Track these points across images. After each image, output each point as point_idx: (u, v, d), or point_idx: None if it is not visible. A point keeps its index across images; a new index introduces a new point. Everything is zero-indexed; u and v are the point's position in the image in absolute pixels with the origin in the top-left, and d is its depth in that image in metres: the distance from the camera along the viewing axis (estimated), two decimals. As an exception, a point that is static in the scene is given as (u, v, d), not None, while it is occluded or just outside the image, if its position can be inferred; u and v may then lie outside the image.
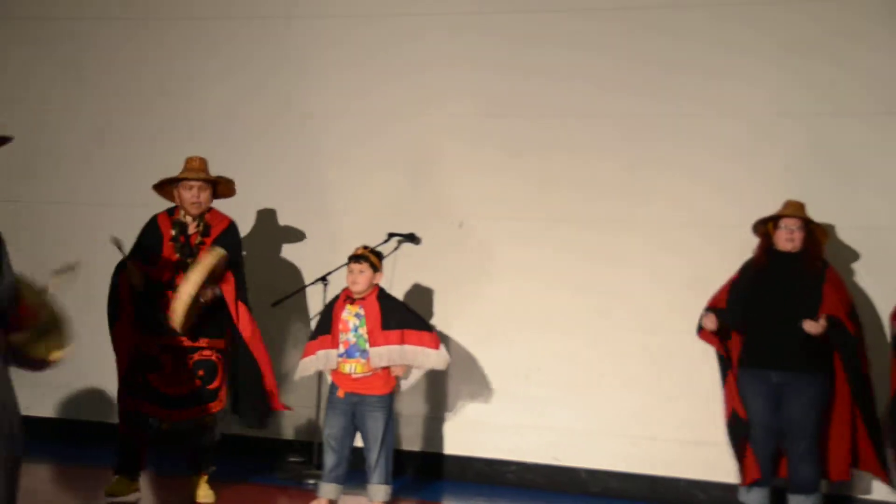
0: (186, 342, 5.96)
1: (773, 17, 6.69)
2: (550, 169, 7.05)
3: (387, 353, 5.92)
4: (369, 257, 6.01)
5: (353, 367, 5.97)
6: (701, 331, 6.12)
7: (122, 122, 7.78)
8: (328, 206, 7.42)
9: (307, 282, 7.13)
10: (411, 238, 7.01)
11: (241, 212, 7.46)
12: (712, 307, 6.08)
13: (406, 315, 6.06)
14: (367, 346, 5.94)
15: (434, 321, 7.09)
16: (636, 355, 6.84)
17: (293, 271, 7.39)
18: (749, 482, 6.01)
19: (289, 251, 7.47)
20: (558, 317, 6.99)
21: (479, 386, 7.08)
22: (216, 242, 6.08)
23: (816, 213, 6.14)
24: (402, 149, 7.33)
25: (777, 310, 5.90)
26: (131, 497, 6.10)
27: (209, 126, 7.61)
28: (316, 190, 7.47)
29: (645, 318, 6.85)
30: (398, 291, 7.03)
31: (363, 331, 5.96)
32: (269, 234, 7.50)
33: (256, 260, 7.49)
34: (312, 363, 6.08)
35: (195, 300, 5.76)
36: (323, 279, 6.87)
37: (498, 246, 7.13)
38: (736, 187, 6.69)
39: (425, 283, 7.19)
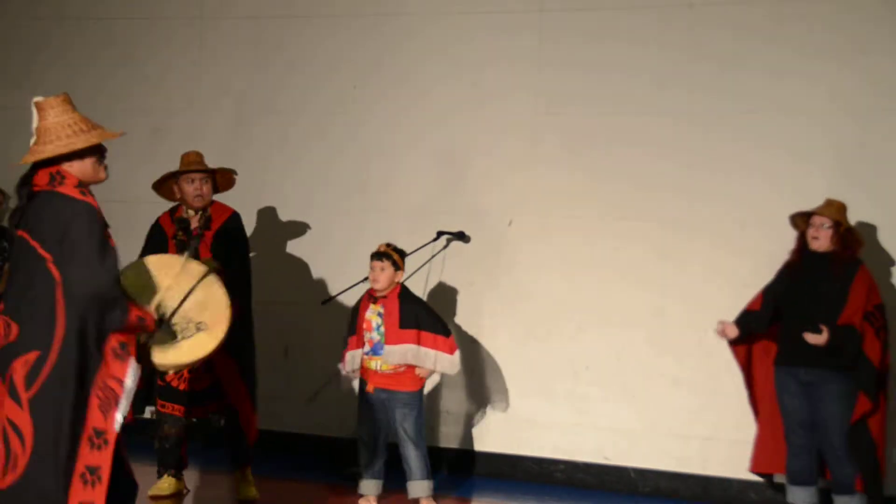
0: None
1: (829, 15, 6.60)
2: (606, 166, 7.01)
3: (400, 352, 5.94)
4: (391, 255, 6.02)
5: (378, 365, 6.01)
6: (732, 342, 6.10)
7: (179, 120, 7.88)
8: (380, 205, 7.45)
9: (358, 280, 7.14)
10: (461, 236, 7.03)
11: (296, 211, 7.58)
12: (748, 311, 6.07)
13: (424, 316, 6.06)
14: None
15: (481, 318, 7.11)
16: (691, 353, 6.77)
17: (344, 270, 7.40)
18: (755, 469, 6.11)
19: (341, 250, 7.49)
20: (610, 314, 6.95)
21: (529, 384, 7.06)
22: (218, 234, 6.08)
23: (871, 210, 6.02)
24: (455, 146, 7.33)
25: (804, 309, 5.86)
26: (178, 495, 6.18)
27: (264, 125, 7.68)
28: (368, 188, 7.50)
29: (701, 316, 6.72)
30: (447, 289, 7.05)
31: (384, 328, 5.98)
32: (321, 232, 7.55)
33: (309, 258, 7.56)
34: (344, 369, 6.16)
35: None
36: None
37: (550, 243, 7.10)
38: (793, 184, 6.59)
39: (474, 280, 7.18)
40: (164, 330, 4.29)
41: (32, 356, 3.87)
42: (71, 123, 4.09)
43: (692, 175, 6.83)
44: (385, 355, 5.95)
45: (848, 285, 5.82)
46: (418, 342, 5.95)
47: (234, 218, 6.22)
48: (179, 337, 4.33)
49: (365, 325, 6.03)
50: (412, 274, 6.26)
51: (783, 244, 6.34)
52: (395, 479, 6.14)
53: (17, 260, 4.03)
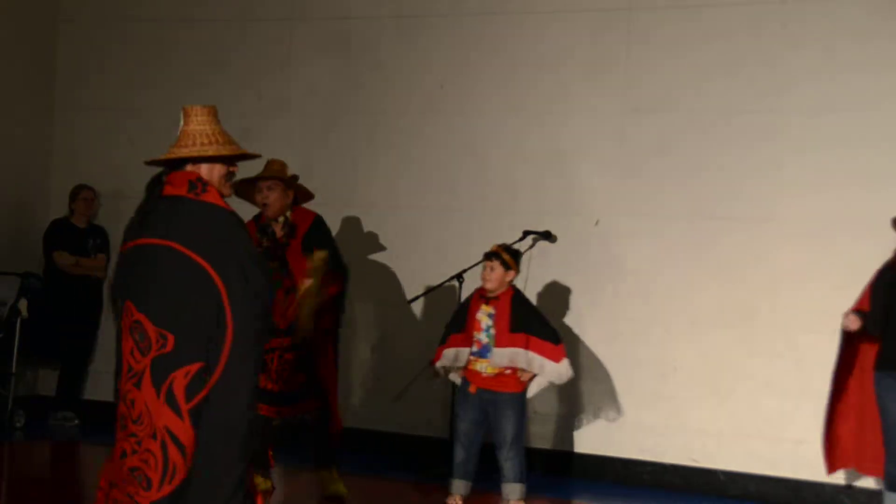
0: (281, 341, 5.94)
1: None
2: (694, 165, 6.96)
3: (509, 355, 5.90)
4: (501, 255, 5.98)
5: (483, 367, 5.98)
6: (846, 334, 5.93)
7: (271, 122, 7.94)
8: (466, 204, 7.47)
9: (444, 279, 7.16)
10: (547, 236, 7.01)
11: (384, 210, 7.61)
12: (857, 310, 5.89)
13: (535, 322, 6.02)
14: None
15: (568, 319, 7.07)
16: (782, 355, 6.68)
17: (432, 269, 7.41)
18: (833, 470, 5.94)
19: (429, 249, 7.53)
20: (699, 315, 6.89)
21: (616, 385, 7.03)
22: (304, 240, 6.03)
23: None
24: (542, 146, 7.32)
25: None
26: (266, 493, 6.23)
27: (354, 126, 7.73)
28: (456, 188, 7.52)
29: (792, 318, 6.67)
30: (532, 289, 7.03)
31: (494, 331, 5.97)
32: (409, 232, 7.59)
33: (397, 257, 7.60)
34: (441, 364, 6.11)
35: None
36: (458, 277, 6.90)
37: (637, 243, 7.06)
38: (886, 184, 6.48)
39: (560, 280, 7.17)
40: None
41: (194, 368, 3.82)
42: (209, 133, 4.07)
43: (782, 174, 6.74)
44: (493, 358, 5.92)
45: None
46: (527, 347, 5.92)
47: (318, 222, 6.19)
48: None
49: (475, 326, 6.01)
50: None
51: (876, 243, 6.20)
52: (482, 480, 6.14)
53: (162, 268, 3.91)
